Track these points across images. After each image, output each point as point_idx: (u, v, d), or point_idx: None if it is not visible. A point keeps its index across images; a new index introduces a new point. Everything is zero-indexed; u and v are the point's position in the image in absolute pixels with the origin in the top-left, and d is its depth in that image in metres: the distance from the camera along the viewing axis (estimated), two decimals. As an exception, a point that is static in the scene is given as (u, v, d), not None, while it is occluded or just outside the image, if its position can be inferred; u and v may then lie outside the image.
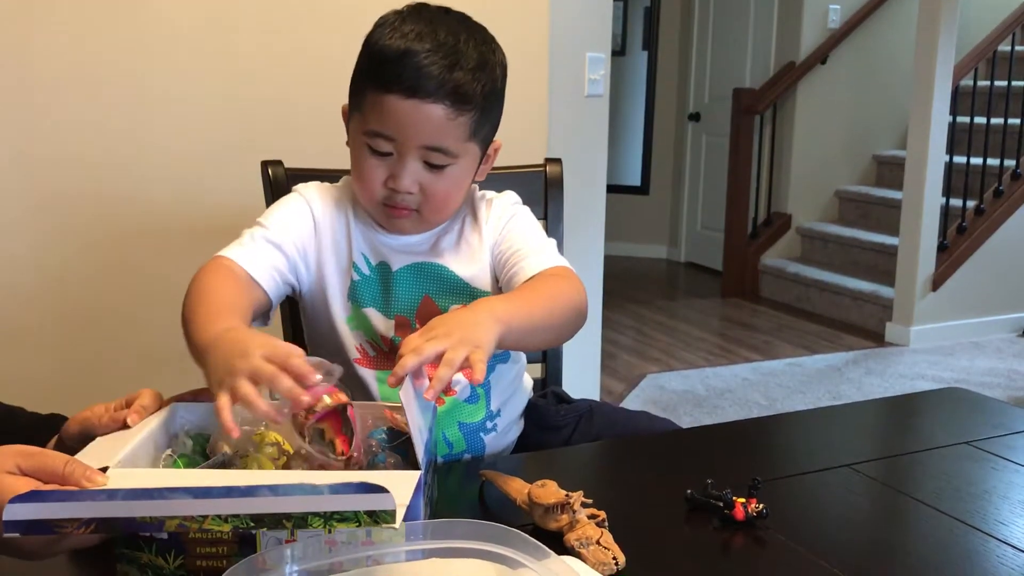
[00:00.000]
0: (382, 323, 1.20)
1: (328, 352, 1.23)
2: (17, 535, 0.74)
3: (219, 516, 0.74)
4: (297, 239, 1.19)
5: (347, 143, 1.19)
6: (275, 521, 0.74)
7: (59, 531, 0.74)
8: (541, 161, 1.57)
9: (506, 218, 1.24)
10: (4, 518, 0.73)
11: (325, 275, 1.21)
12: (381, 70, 1.10)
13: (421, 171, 1.13)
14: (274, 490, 0.75)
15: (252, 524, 0.74)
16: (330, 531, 0.74)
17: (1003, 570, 0.87)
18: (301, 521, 0.74)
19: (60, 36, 1.84)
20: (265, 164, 1.44)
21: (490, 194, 1.29)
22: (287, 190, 1.41)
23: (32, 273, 1.88)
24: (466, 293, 1.21)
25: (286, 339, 1.41)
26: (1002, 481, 1.09)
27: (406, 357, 0.89)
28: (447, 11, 1.16)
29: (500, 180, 1.35)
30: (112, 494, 0.75)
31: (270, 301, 1.15)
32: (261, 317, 1.14)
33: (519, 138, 2.28)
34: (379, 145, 1.12)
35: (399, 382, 0.88)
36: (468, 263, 1.22)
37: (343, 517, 0.74)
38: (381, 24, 1.14)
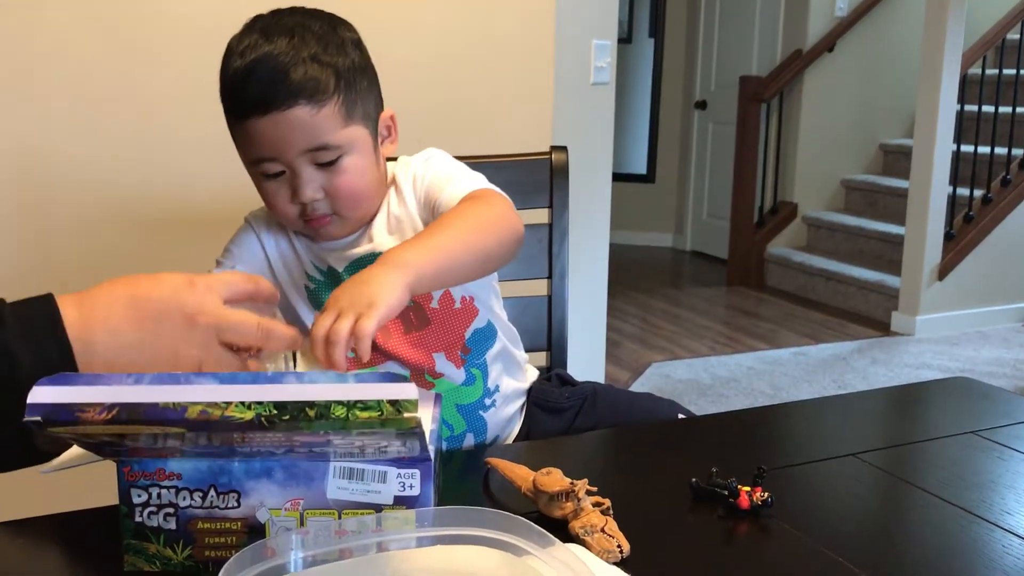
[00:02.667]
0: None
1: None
2: (39, 418, 0.72)
3: (242, 403, 0.73)
4: (251, 269, 1.21)
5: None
6: (298, 409, 0.73)
7: (80, 417, 0.73)
8: (546, 149, 1.57)
9: (421, 172, 1.21)
10: (28, 400, 0.72)
11: (284, 291, 1.23)
12: (233, 99, 1.09)
13: (317, 175, 1.11)
14: (299, 377, 0.75)
15: (275, 412, 0.73)
16: (351, 415, 0.73)
17: (1008, 560, 0.87)
18: (324, 409, 0.73)
19: (59, 27, 1.84)
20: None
21: (405, 158, 1.26)
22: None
23: (28, 268, 1.88)
24: None
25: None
26: (1008, 471, 1.08)
27: (317, 349, 0.87)
28: (284, 11, 1.14)
29: (505, 168, 1.35)
30: (138, 379, 0.74)
31: None
32: None
33: (524, 126, 2.29)
34: (268, 169, 1.11)
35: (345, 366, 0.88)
36: (404, 237, 1.19)
37: (366, 406, 0.73)
38: (226, 52, 1.11)
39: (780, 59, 5.73)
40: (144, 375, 0.75)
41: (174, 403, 0.73)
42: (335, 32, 1.13)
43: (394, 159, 1.26)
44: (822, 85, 5.63)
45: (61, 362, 0.79)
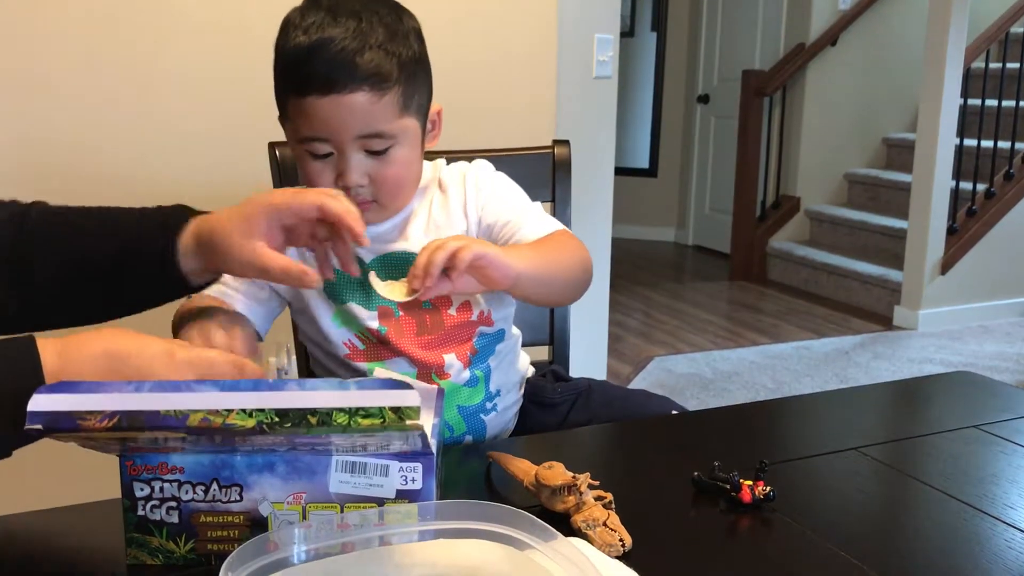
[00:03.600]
0: (366, 315, 1.19)
1: (321, 349, 1.24)
2: (39, 427, 0.73)
3: (244, 410, 0.73)
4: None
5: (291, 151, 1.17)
6: (300, 416, 0.73)
7: (81, 425, 0.73)
8: (549, 143, 1.56)
9: (485, 191, 1.22)
10: (29, 408, 0.72)
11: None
12: (293, 75, 1.08)
13: (365, 161, 1.11)
14: (301, 384, 0.75)
15: (277, 419, 0.73)
16: (353, 423, 0.74)
17: (1011, 554, 0.87)
18: (326, 416, 0.73)
19: (66, 15, 1.84)
20: (272, 145, 1.44)
21: (457, 166, 1.26)
22: (294, 171, 1.41)
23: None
24: None
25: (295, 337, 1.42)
26: (1011, 465, 1.08)
27: (433, 253, 0.96)
28: None
29: (507, 161, 1.35)
30: (139, 386, 0.75)
31: (255, 331, 1.15)
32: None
33: (527, 120, 2.28)
34: (316, 149, 1.10)
35: (426, 286, 0.97)
36: None
37: (368, 413, 0.73)
38: (285, 26, 1.10)
39: (783, 53, 5.71)
40: (144, 382, 0.75)
41: (175, 411, 0.73)
42: (401, 21, 1.12)
43: (430, 159, 1.25)
44: (825, 79, 5.62)
45: None
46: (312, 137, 1.10)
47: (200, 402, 0.73)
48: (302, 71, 1.07)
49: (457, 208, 1.21)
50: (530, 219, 1.19)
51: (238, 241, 0.94)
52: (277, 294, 1.21)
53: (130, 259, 0.96)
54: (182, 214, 1.01)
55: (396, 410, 0.73)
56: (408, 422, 0.73)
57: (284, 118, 1.15)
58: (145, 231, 0.99)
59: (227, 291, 1.16)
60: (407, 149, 1.13)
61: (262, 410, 0.73)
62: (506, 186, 1.25)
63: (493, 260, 0.99)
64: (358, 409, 0.73)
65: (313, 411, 0.73)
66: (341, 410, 0.73)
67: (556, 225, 1.20)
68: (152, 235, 0.99)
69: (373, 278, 1.06)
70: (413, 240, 1.19)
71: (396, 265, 1.19)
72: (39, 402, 0.72)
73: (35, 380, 0.78)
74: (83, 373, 0.80)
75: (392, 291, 1.03)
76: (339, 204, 0.96)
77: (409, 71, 1.11)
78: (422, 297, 1.00)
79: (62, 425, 0.73)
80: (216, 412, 0.73)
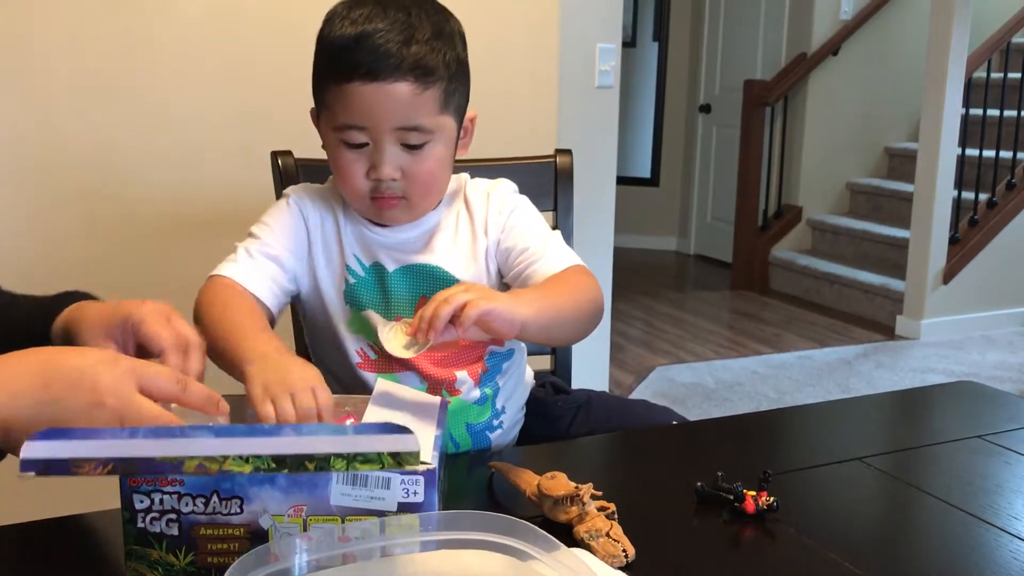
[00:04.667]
0: (383, 324, 1.19)
1: (330, 356, 1.22)
2: (33, 474, 0.72)
3: (240, 457, 0.73)
4: (293, 247, 1.18)
5: (322, 147, 1.17)
6: (297, 463, 0.73)
7: (76, 471, 0.73)
8: (551, 152, 1.57)
9: (507, 213, 1.22)
10: (22, 456, 0.72)
11: (319, 280, 1.20)
12: (338, 60, 1.08)
13: (400, 155, 1.11)
14: (298, 430, 0.74)
15: (274, 465, 0.73)
16: (352, 468, 0.74)
17: (1016, 565, 0.87)
18: (324, 463, 0.73)
19: (65, 26, 1.84)
20: (275, 154, 1.44)
21: (482, 183, 1.26)
22: (297, 180, 1.41)
23: (39, 268, 1.88)
24: None
25: (296, 341, 1.41)
26: (1015, 475, 1.08)
27: (439, 306, 0.96)
28: None
29: (510, 171, 1.35)
30: (133, 433, 0.74)
31: (273, 317, 1.16)
32: None
33: (529, 129, 2.28)
34: (353, 137, 1.10)
35: (431, 334, 0.97)
36: (464, 264, 1.20)
37: (366, 458, 0.73)
38: (330, 18, 1.11)
39: (784, 63, 5.72)
40: (139, 429, 0.75)
41: (171, 457, 0.73)
42: (448, 22, 1.14)
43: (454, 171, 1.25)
44: (826, 89, 5.62)
45: None
46: (350, 125, 1.09)
47: (196, 448, 0.73)
48: (347, 58, 1.07)
49: (480, 226, 1.21)
50: (549, 252, 1.19)
51: (91, 340, 0.93)
52: (294, 282, 1.20)
53: (10, 345, 0.87)
54: (68, 301, 1.00)
55: (395, 455, 0.73)
56: (407, 467, 0.73)
57: (320, 107, 1.14)
58: (32, 317, 1.00)
59: (252, 268, 1.15)
60: (442, 147, 1.14)
61: (259, 456, 0.73)
62: (528, 212, 1.24)
63: (500, 314, 0.99)
64: (356, 455, 0.73)
65: (311, 457, 0.73)
66: (339, 456, 0.73)
67: (573, 260, 1.19)
68: (35, 322, 0.99)
69: (383, 333, 1.07)
70: (438, 254, 1.19)
71: (418, 277, 1.19)
72: (33, 449, 0.72)
73: None
74: (10, 381, 0.78)
75: (396, 343, 1.04)
76: (193, 395, 0.84)
77: (452, 70, 1.11)
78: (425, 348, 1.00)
79: (57, 471, 0.73)
80: (212, 459, 0.73)
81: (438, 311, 0.96)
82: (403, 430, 0.73)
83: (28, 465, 0.72)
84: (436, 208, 1.21)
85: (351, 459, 0.73)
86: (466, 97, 1.18)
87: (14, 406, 0.77)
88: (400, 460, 0.73)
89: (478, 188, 1.25)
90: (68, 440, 0.73)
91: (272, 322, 1.16)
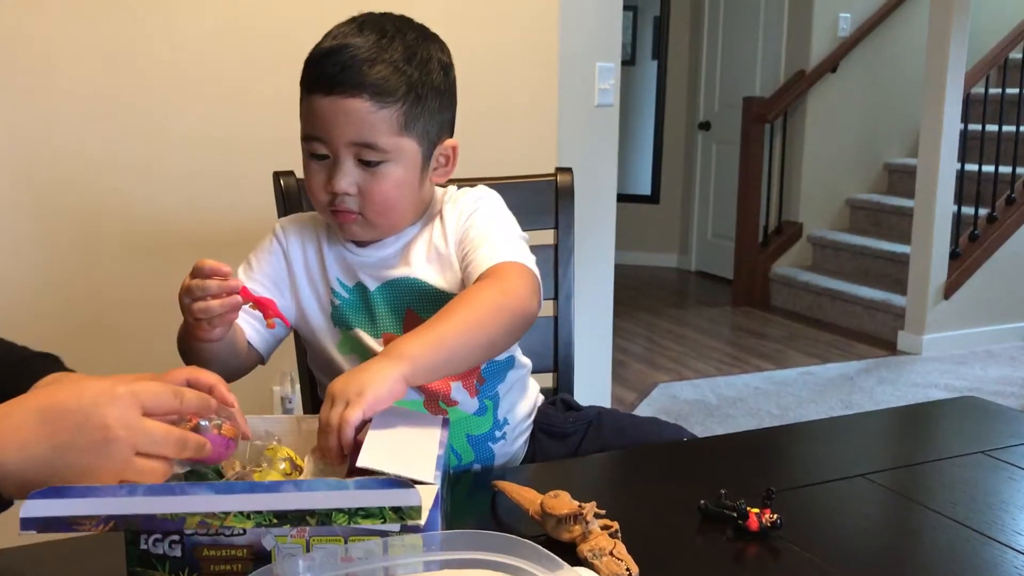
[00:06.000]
0: (372, 342, 1.19)
1: (327, 377, 1.22)
2: (35, 532, 0.73)
3: (241, 513, 0.73)
4: (273, 284, 1.21)
5: None
6: (298, 518, 0.73)
7: (77, 528, 0.73)
8: (551, 170, 1.57)
9: (468, 212, 1.22)
10: (22, 515, 0.72)
11: (305, 307, 1.22)
12: (307, 71, 1.13)
13: (356, 171, 1.12)
14: (298, 486, 0.74)
15: (275, 521, 0.73)
16: (353, 523, 0.74)
17: (1021, 581, 0.87)
18: (325, 517, 0.73)
19: (71, 51, 1.86)
20: (277, 175, 1.45)
21: (456, 192, 1.26)
22: (298, 200, 1.41)
23: (40, 288, 1.88)
24: (445, 303, 1.13)
25: (299, 365, 1.43)
26: (1019, 491, 1.08)
27: (325, 439, 0.91)
28: (387, 15, 1.17)
29: (511, 189, 1.35)
30: (132, 490, 0.74)
31: (262, 357, 1.19)
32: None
33: (530, 147, 2.29)
34: (315, 148, 1.13)
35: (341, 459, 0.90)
36: (441, 272, 1.20)
37: (368, 513, 0.73)
38: (327, 33, 1.15)
39: (783, 80, 5.74)
40: (138, 486, 0.75)
41: (172, 514, 0.73)
42: (427, 49, 1.16)
43: (443, 186, 1.26)
44: (826, 105, 5.64)
45: None
46: (311, 136, 1.13)
47: (197, 505, 0.73)
48: (315, 70, 1.11)
49: (449, 231, 1.21)
50: (486, 245, 1.16)
51: None
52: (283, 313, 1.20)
53: None
54: (39, 365, 0.98)
55: (397, 510, 0.73)
56: (410, 522, 0.73)
57: (300, 118, 1.17)
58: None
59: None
60: (400, 170, 1.14)
61: (260, 512, 0.73)
62: (487, 209, 1.23)
63: (376, 403, 0.92)
64: (358, 510, 0.73)
65: (312, 512, 0.73)
66: (340, 511, 0.73)
67: (510, 256, 1.15)
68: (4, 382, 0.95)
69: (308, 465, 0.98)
70: (415, 266, 1.20)
71: (399, 291, 1.19)
72: (32, 508, 0.72)
73: None
74: (19, 429, 0.77)
75: (319, 471, 0.95)
76: (189, 403, 0.84)
77: (418, 94, 1.13)
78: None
79: (57, 529, 0.73)
80: (213, 515, 0.73)
81: (329, 444, 0.90)
82: (405, 484, 0.73)
83: (28, 524, 0.73)
84: (413, 224, 1.22)
85: (352, 514, 0.73)
86: (439, 124, 1.18)
87: (25, 458, 0.77)
88: (402, 515, 0.73)
89: (452, 197, 1.25)
90: (67, 499, 0.73)
91: (262, 360, 1.20)
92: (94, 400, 0.78)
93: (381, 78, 1.09)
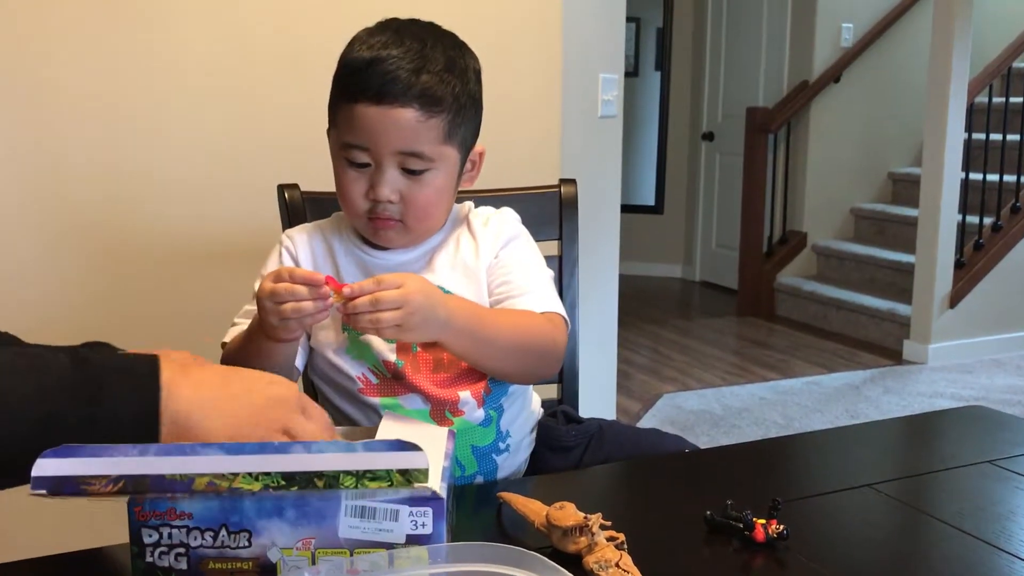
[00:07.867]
0: (384, 347, 1.19)
1: (331, 384, 1.23)
2: (44, 492, 0.73)
3: (250, 474, 0.73)
4: None
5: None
6: (307, 480, 0.73)
7: (86, 488, 0.73)
8: (555, 182, 1.57)
9: (503, 240, 1.23)
10: (33, 474, 0.73)
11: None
12: (350, 81, 1.12)
13: (399, 179, 1.13)
14: (307, 447, 0.74)
15: (284, 483, 0.73)
16: (361, 486, 0.75)
17: (1029, 591, 0.86)
18: (333, 480, 0.73)
19: (74, 60, 1.86)
20: (281, 187, 1.45)
21: (486, 210, 1.28)
22: (303, 213, 1.42)
23: (42, 299, 1.89)
24: None
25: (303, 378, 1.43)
26: (1026, 501, 1.07)
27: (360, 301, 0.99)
28: (416, 21, 1.18)
29: (515, 201, 1.36)
30: (143, 451, 0.74)
31: (297, 369, 1.21)
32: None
33: (533, 159, 2.29)
34: (355, 156, 1.13)
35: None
36: (466, 283, 1.21)
37: (375, 476, 0.73)
38: (353, 41, 1.15)
39: (786, 90, 5.75)
40: (150, 446, 0.75)
41: (180, 475, 0.73)
42: (464, 58, 1.17)
43: (457, 201, 1.27)
44: (829, 115, 5.65)
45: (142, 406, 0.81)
46: (354, 144, 1.13)
47: (205, 466, 0.73)
48: (358, 79, 1.11)
49: (481, 246, 1.23)
50: (529, 293, 1.19)
51: None
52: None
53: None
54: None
55: (404, 472, 0.73)
56: (416, 484, 0.73)
57: (332, 124, 1.17)
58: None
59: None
60: (443, 177, 1.16)
61: (268, 473, 0.73)
62: (524, 246, 1.26)
63: (409, 315, 1.01)
64: (366, 472, 0.73)
65: (320, 474, 0.73)
66: (348, 473, 0.73)
67: (550, 307, 1.19)
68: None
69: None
70: (439, 273, 1.20)
71: None
72: (44, 467, 0.72)
73: (153, 395, 0.81)
74: (199, 374, 0.85)
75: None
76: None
77: (460, 103, 1.14)
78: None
79: (67, 490, 0.73)
80: (222, 476, 0.73)
81: (356, 304, 0.99)
82: (412, 447, 0.73)
83: (39, 483, 0.72)
84: (438, 231, 1.23)
85: (360, 476, 0.73)
86: (474, 132, 1.21)
87: (199, 396, 0.84)
88: (409, 477, 0.73)
89: (480, 214, 1.27)
90: (78, 458, 0.73)
91: (297, 372, 1.21)
92: (270, 382, 0.89)
93: (429, 88, 1.11)
